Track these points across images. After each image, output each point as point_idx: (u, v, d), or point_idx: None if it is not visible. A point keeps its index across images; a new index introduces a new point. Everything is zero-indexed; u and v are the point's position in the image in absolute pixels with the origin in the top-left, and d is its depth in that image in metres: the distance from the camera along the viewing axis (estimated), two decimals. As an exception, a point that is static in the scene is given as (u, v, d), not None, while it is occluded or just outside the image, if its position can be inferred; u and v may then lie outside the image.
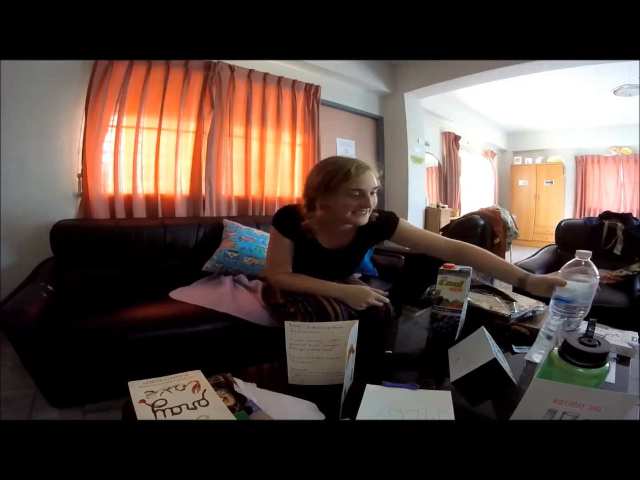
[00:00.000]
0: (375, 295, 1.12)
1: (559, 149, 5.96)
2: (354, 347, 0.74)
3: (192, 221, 2.06)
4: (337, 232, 1.20)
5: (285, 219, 1.17)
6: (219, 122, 2.34)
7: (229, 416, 0.59)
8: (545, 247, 2.65)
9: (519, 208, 6.27)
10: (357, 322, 0.74)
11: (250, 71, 2.46)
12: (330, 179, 1.06)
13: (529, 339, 0.96)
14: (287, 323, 0.77)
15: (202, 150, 2.29)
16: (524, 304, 1.12)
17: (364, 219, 1.11)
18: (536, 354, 0.87)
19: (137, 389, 0.64)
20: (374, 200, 1.11)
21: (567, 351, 0.59)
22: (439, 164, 4.87)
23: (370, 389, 0.71)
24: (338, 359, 0.74)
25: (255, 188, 2.60)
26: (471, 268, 1.01)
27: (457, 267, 0.98)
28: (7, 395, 1.33)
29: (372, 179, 1.09)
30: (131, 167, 2.06)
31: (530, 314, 1.08)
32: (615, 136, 5.38)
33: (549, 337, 0.84)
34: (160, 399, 0.61)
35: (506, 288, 1.26)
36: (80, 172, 1.95)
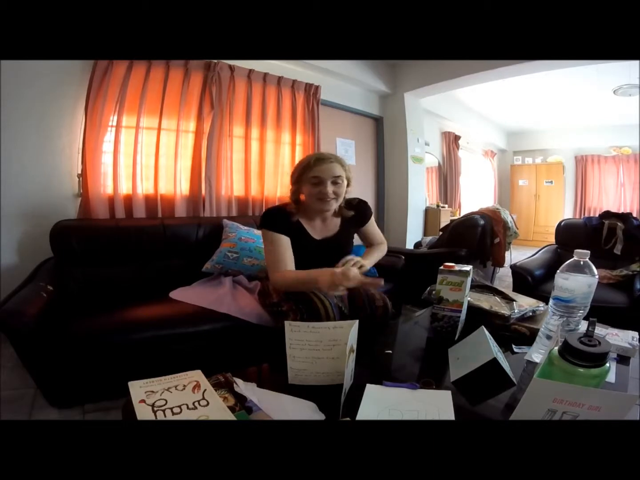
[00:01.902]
0: (338, 276, 0.98)
1: (559, 149, 5.96)
2: (354, 347, 0.74)
3: (192, 221, 2.06)
4: (325, 223, 1.28)
5: (274, 217, 1.20)
6: (219, 122, 2.33)
7: (229, 416, 0.59)
8: (545, 246, 2.66)
9: (519, 208, 6.27)
10: (356, 322, 0.74)
11: (250, 71, 2.46)
12: (297, 168, 1.22)
13: (529, 338, 0.96)
14: (287, 323, 0.77)
15: (202, 150, 2.29)
16: (524, 303, 1.12)
17: (328, 206, 1.19)
18: (536, 354, 0.87)
19: (137, 389, 0.64)
20: (337, 189, 1.18)
21: (567, 351, 0.59)
22: (439, 163, 4.87)
23: (370, 389, 0.71)
24: (338, 359, 0.74)
25: (255, 188, 2.60)
26: (471, 267, 1.01)
27: (457, 267, 0.98)
28: (7, 395, 1.33)
29: (333, 169, 1.17)
30: (131, 167, 2.06)
31: (530, 313, 1.08)
32: (615, 136, 5.37)
33: (548, 337, 0.84)
34: (160, 399, 0.61)
35: (506, 288, 1.27)
36: (80, 172, 1.95)
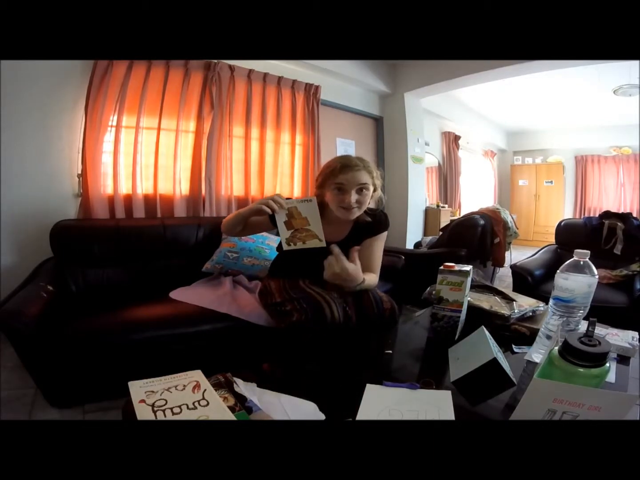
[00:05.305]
0: (264, 202, 1.07)
1: (559, 149, 5.96)
2: None
3: (192, 221, 2.06)
4: (336, 225, 1.24)
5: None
6: (219, 122, 2.34)
7: (229, 416, 0.59)
8: (545, 246, 2.66)
9: (519, 208, 6.27)
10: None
11: (250, 71, 2.46)
12: (322, 174, 1.19)
13: (529, 338, 0.96)
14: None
15: (202, 150, 2.29)
16: (524, 303, 1.12)
17: (350, 215, 1.17)
18: (536, 354, 0.87)
19: (137, 389, 0.64)
20: (362, 198, 1.15)
21: (567, 351, 0.59)
22: (439, 163, 4.87)
23: (370, 389, 0.71)
24: None
25: (255, 188, 2.60)
26: (471, 267, 1.01)
27: (457, 267, 0.98)
28: (7, 395, 1.33)
29: (358, 177, 1.13)
30: (131, 167, 2.06)
31: (530, 313, 1.08)
32: (615, 136, 5.37)
33: (548, 337, 0.84)
34: (161, 399, 0.61)
35: (506, 288, 1.26)
36: (80, 172, 1.95)
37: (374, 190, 1.22)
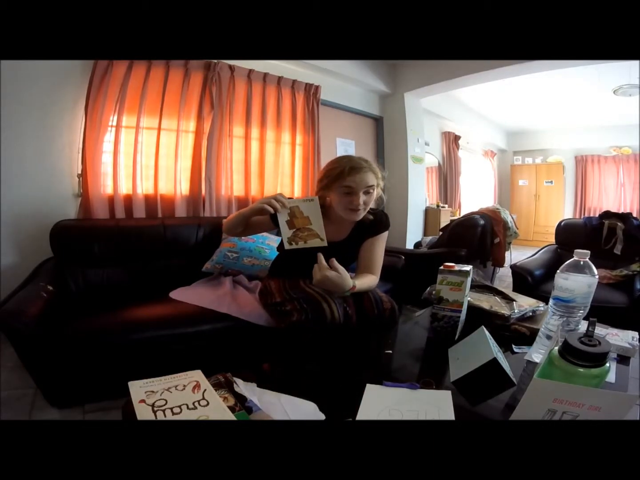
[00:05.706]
0: (266, 201, 1.08)
1: (559, 149, 5.96)
2: None
3: (192, 221, 2.06)
4: (337, 225, 1.24)
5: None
6: (219, 122, 2.34)
7: (229, 416, 0.59)
8: (545, 246, 2.66)
9: (519, 208, 6.27)
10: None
11: (250, 71, 2.46)
12: (328, 176, 1.16)
13: (529, 338, 0.96)
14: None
15: (202, 150, 2.29)
16: (524, 303, 1.12)
17: (357, 216, 1.17)
18: (536, 354, 0.87)
19: (137, 389, 0.64)
20: (368, 199, 1.16)
21: (567, 351, 0.59)
22: (439, 163, 4.87)
23: (370, 389, 0.71)
24: None
25: (255, 188, 2.60)
26: (471, 267, 1.01)
27: (457, 267, 0.98)
28: (7, 395, 1.33)
29: (366, 179, 1.13)
30: (131, 167, 2.06)
31: (530, 313, 1.08)
32: (615, 136, 5.37)
33: (548, 337, 0.84)
34: (161, 399, 0.61)
35: (506, 288, 1.26)
36: (80, 172, 1.95)
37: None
